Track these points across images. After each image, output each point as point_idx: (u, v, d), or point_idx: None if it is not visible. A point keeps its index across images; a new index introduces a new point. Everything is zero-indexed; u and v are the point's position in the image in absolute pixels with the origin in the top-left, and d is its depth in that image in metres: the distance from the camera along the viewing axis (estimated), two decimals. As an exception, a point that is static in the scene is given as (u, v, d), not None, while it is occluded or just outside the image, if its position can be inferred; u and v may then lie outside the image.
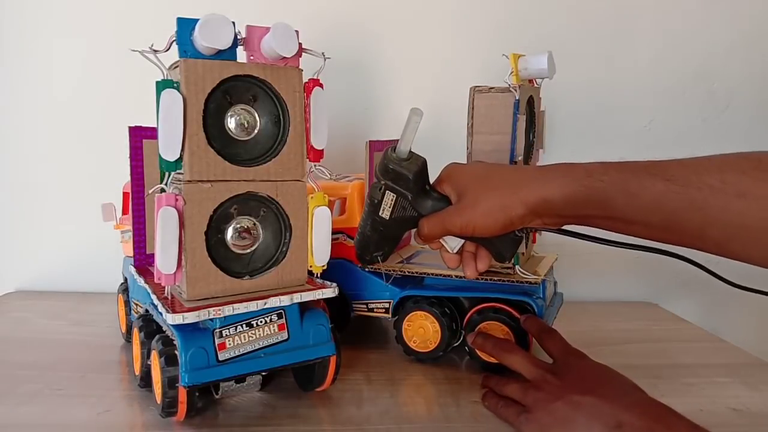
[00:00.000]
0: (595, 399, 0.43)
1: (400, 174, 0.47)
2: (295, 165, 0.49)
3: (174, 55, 0.44)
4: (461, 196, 0.48)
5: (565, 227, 0.47)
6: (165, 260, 0.43)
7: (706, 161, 0.39)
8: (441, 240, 0.50)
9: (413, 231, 0.51)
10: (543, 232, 0.49)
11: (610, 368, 0.49)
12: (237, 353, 0.46)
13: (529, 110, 0.60)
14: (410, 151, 0.48)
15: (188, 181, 0.44)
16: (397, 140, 0.47)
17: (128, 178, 0.55)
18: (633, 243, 0.46)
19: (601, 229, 0.45)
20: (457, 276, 0.59)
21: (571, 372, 0.48)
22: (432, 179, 0.50)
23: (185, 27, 0.43)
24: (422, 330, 0.61)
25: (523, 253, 0.61)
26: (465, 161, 0.60)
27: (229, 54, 0.45)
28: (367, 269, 0.63)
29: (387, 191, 0.48)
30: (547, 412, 0.45)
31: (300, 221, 0.49)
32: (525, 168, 0.47)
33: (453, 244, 0.50)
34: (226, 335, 0.46)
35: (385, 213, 0.49)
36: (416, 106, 0.46)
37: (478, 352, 0.59)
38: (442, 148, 0.85)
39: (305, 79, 0.48)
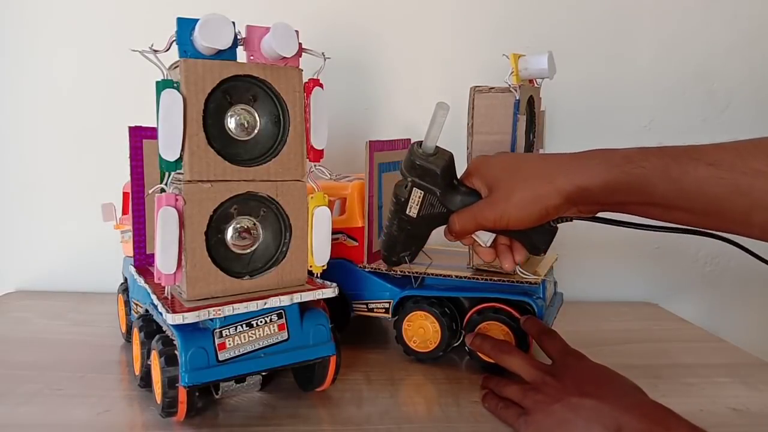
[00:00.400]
0: (595, 401, 0.43)
1: (427, 169, 0.46)
2: (295, 165, 0.49)
3: (174, 55, 0.44)
4: (492, 189, 0.47)
5: (599, 214, 0.46)
6: (165, 260, 0.43)
7: (749, 145, 0.39)
8: (473, 235, 0.50)
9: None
10: (576, 220, 0.48)
11: (610, 369, 0.49)
12: (237, 353, 0.46)
13: (529, 110, 0.60)
14: (436, 146, 0.47)
15: (188, 181, 0.44)
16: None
17: (128, 178, 0.55)
18: (672, 226, 0.45)
19: (638, 215, 0.44)
20: (457, 276, 0.59)
21: (570, 373, 0.48)
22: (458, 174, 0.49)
23: (185, 27, 0.43)
24: (422, 330, 0.61)
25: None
26: (465, 161, 0.60)
27: (229, 54, 0.45)
28: (367, 270, 0.63)
29: (414, 188, 0.47)
30: (546, 414, 0.45)
31: (300, 221, 0.49)
32: (557, 156, 0.46)
33: (485, 237, 0.50)
34: (226, 335, 0.46)
35: (413, 211, 0.48)
36: (442, 101, 0.45)
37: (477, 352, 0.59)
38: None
39: (305, 79, 0.48)
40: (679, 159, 0.40)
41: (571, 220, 0.46)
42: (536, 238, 0.48)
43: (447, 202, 0.48)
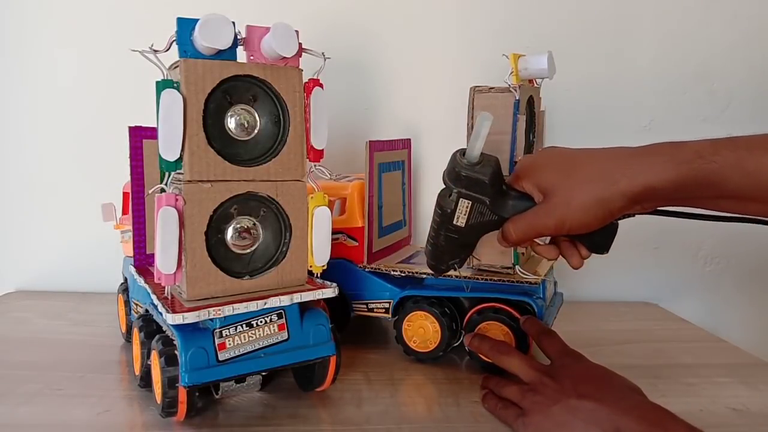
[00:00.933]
0: (593, 403, 0.43)
1: (474, 179, 0.44)
2: (295, 165, 0.49)
3: (174, 55, 0.44)
4: (547, 194, 0.44)
5: (661, 207, 0.45)
6: (165, 260, 0.43)
7: None
8: None
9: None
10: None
11: (608, 369, 0.48)
12: (237, 353, 0.46)
13: (529, 110, 0.60)
14: (481, 153, 0.44)
15: (188, 181, 0.44)
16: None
17: (128, 178, 0.55)
18: (742, 216, 0.43)
19: (707, 209, 0.43)
20: (457, 276, 0.59)
21: (569, 374, 0.48)
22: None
23: (185, 27, 0.43)
24: (422, 330, 0.61)
25: (523, 253, 0.61)
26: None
27: (229, 54, 0.45)
28: (367, 270, 0.63)
29: (461, 199, 0.45)
30: (544, 416, 0.45)
31: (300, 221, 0.49)
32: (616, 153, 0.43)
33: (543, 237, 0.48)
34: (226, 335, 0.46)
35: (460, 221, 0.46)
36: (486, 112, 0.44)
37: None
38: (442, 149, 0.86)
39: (305, 79, 0.48)
40: (753, 151, 0.39)
41: (633, 216, 0.45)
42: (599, 238, 0.46)
43: (498, 209, 0.46)
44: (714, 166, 0.39)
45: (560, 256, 0.50)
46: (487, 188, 0.45)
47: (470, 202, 0.46)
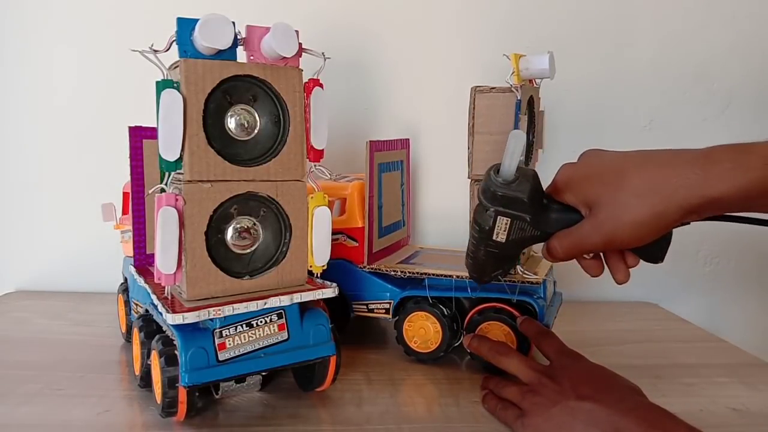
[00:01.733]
0: (592, 404, 0.43)
1: (512, 198, 0.43)
2: (295, 165, 0.49)
3: (174, 55, 0.44)
4: (594, 207, 0.42)
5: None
6: (165, 260, 0.43)
7: None
8: None
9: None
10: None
11: (607, 369, 0.48)
12: (237, 353, 0.46)
13: (529, 110, 0.60)
14: (516, 168, 0.42)
15: (188, 181, 0.44)
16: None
17: (128, 178, 0.55)
18: None
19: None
20: (458, 276, 0.59)
21: (568, 374, 0.48)
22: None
23: (185, 27, 0.43)
24: (423, 330, 0.61)
25: (523, 253, 0.61)
26: (466, 161, 0.60)
27: (229, 54, 0.45)
28: (367, 270, 0.63)
29: (499, 216, 0.43)
30: (544, 418, 0.45)
31: (300, 221, 0.49)
32: (670, 159, 0.40)
33: None
34: (226, 335, 0.46)
35: (500, 237, 0.44)
36: (518, 130, 0.42)
37: (478, 352, 0.59)
38: (443, 149, 0.86)
39: (305, 79, 0.48)
40: None
41: (689, 224, 0.41)
42: (653, 248, 0.43)
43: (540, 224, 0.44)
44: None
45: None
46: (527, 206, 0.43)
47: (509, 219, 0.44)
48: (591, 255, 0.46)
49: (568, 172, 0.45)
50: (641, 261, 0.46)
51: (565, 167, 0.45)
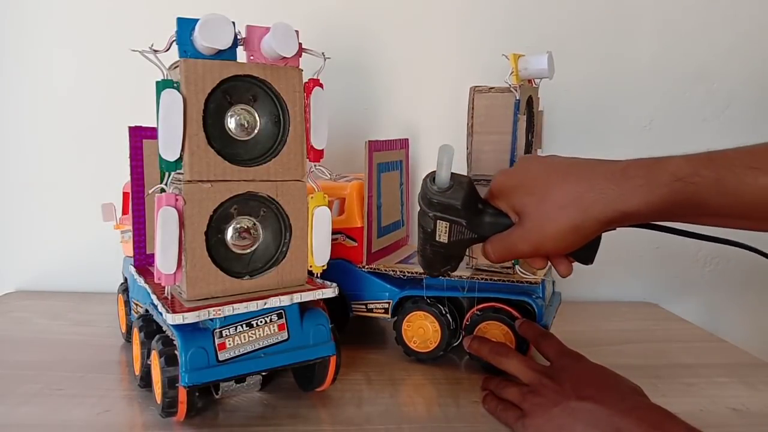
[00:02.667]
0: (593, 405, 0.43)
1: (447, 205, 0.45)
2: (295, 165, 0.49)
3: (174, 55, 0.44)
4: (522, 215, 0.44)
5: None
6: (165, 260, 0.43)
7: None
8: None
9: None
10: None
11: (608, 369, 0.48)
12: (237, 353, 0.46)
13: (528, 110, 0.60)
14: (451, 175, 0.45)
15: (188, 181, 0.44)
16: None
17: (128, 178, 0.55)
18: (731, 240, 0.43)
19: (688, 223, 0.42)
20: (456, 276, 0.59)
21: (568, 375, 0.48)
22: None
23: (185, 27, 0.43)
24: (422, 330, 0.61)
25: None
26: (465, 161, 0.60)
27: (229, 54, 0.45)
28: (366, 270, 0.63)
29: (438, 220, 0.46)
30: (544, 419, 0.45)
31: (300, 221, 0.49)
32: (589, 173, 0.42)
33: None
34: (226, 335, 0.46)
35: (442, 238, 0.47)
36: (446, 144, 0.44)
37: (477, 352, 0.59)
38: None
39: (305, 79, 0.48)
40: (734, 169, 0.37)
41: (614, 229, 0.43)
42: (582, 251, 0.45)
43: (475, 228, 0.46)
44: (693, 188, 0.38)
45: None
46: (461, 212, 0.45)
47: (448, 223, 0.46)
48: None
49: (501, 179, 0.47)
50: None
51: (500, 174, 0.47)
